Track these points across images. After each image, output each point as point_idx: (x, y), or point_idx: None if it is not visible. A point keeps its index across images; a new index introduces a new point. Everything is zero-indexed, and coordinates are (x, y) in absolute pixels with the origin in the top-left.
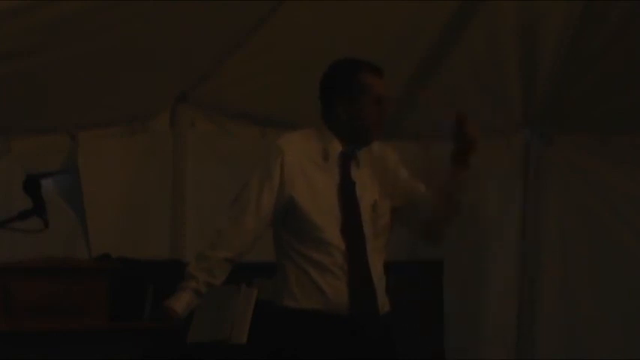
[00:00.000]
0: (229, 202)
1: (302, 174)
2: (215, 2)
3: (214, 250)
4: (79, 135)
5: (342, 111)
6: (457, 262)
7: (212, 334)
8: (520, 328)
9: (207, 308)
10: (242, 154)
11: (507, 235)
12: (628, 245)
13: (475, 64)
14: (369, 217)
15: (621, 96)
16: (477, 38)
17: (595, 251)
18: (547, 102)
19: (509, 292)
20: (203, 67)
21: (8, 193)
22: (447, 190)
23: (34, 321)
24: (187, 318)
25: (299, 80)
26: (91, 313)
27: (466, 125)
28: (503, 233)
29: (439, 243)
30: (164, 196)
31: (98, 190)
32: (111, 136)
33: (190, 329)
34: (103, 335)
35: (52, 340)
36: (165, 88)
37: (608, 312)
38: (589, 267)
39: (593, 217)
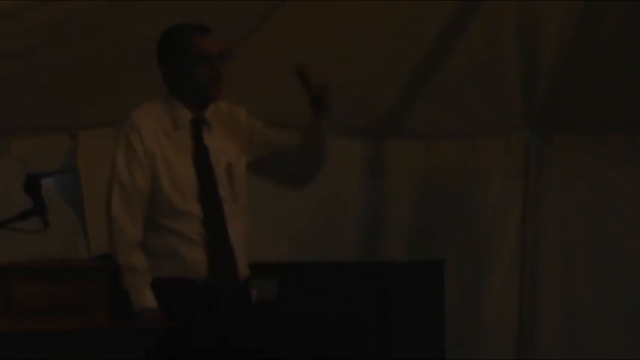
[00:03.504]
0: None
1: (158, 147)
2: (215, 2)
3: (125, 238)
4: (78, 135)
5: (172, 72)
6: (457, 262)
7: None
8: (520, 328)
9: None
10: None
11: (507, 235)
12: (628, 245)
13: (475, 64)
14: (225, 180)
15: (621, 96)
16: (477, 38)
17: (595, 251)
18: (547, 102)
19: (509, 292)
20: None
21: (8, 193)
22: (309, 137)
23: (33, 321)
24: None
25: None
26: (91, 313)
27: (308, 77)
28: (503, 233)
29: (305, 184)
30: None
31: (98, 189)
32: (111, 136)
33: None
34: (104, 335)
35: (52, 340)
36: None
37: (608, 312)
38: (589, 267)
39: (593, 217)
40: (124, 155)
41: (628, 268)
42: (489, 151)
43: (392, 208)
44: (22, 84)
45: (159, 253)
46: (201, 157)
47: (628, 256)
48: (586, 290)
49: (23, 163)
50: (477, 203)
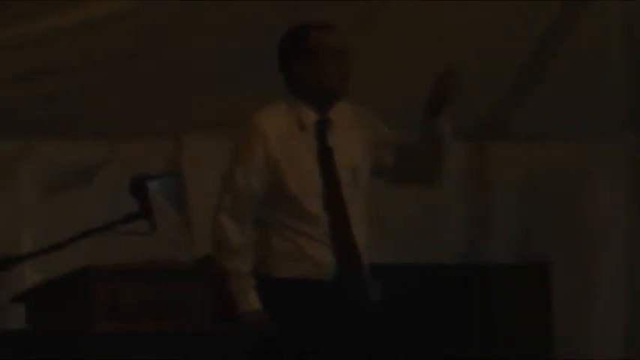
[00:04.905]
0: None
1: (283, 149)
2: (319, 2)
3: (229, 242)
4: (182, 137)
5: (298, 72)
6: (564, 264)
7: None
8: (629, 328)
9: None
10: None
11: (615, 236)
12: None
13: (581, 65)
14: (349, 182)
15: None
16: (583, 38)
17: None
18: None
19: (617, 293)
20: None
21: (114, 195)
22: (428, 138)
23: (138, 322)
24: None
25: (402, 81)
26: (195, 315)
27: (446, 79)
28: (610, 234)
29: (433, 182)
30: None
31: (202, 192)
32: (214, 139)
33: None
34: (208, 337)
35: (157, 342)
36: (270, 88)
37: None
38: None
39: None
40: (242, 159)
41: None
42: (596, 153)
43: (496, 210)
44: (127, 88)
45: (285, 254)
46: (325, 158)
47: None
48: None
49: (128, 166)
50: (583, 205)
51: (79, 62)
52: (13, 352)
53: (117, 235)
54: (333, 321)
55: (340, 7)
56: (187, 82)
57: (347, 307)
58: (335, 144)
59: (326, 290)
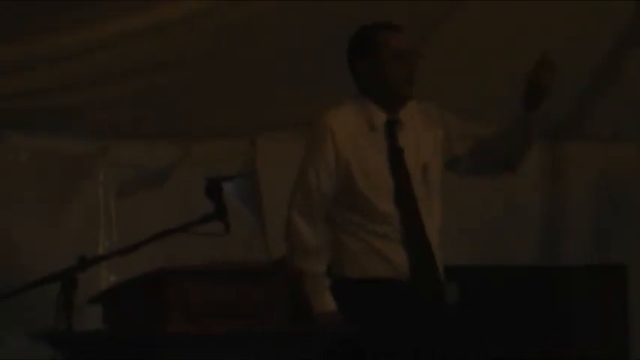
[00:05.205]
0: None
1: (353, 149)
2: (394, 2)
3: (303, 243)
4: (257, 139)
5: (365, 73)
6: None
7: None
8: None
9: None
10: None
11: None
12: None
13: None
14: (420, 180)
15: None
16: None
17: None
18: None
19: None
20: None
21: (188, 197)
22: (516, 128)
23: (213, 323)
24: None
25: (475, 81)
26: (271, 316)
27: (542, 69)
28: None
29: (514, 170)
30: None
31: (277, 193)
32: (289, 139)
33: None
34: (283, 338)
35: (231, 342)
36: (345, 89)
37: None
38: None
39: None
40: (313, 159)
41: None
42: None
43: (571, 211)
44: (202, 89)
45: (357, 253)
46: (396, 157)
47: None
48: None
49: (203, 167)
50: None
51: (153, 64)
52: (90, 352)
53: (192, 237)
54: (408, 321)
55: (415, 7)
56: (262, 83)
57: (422, 307)
58: (405, 143)
59: (401, 290)
